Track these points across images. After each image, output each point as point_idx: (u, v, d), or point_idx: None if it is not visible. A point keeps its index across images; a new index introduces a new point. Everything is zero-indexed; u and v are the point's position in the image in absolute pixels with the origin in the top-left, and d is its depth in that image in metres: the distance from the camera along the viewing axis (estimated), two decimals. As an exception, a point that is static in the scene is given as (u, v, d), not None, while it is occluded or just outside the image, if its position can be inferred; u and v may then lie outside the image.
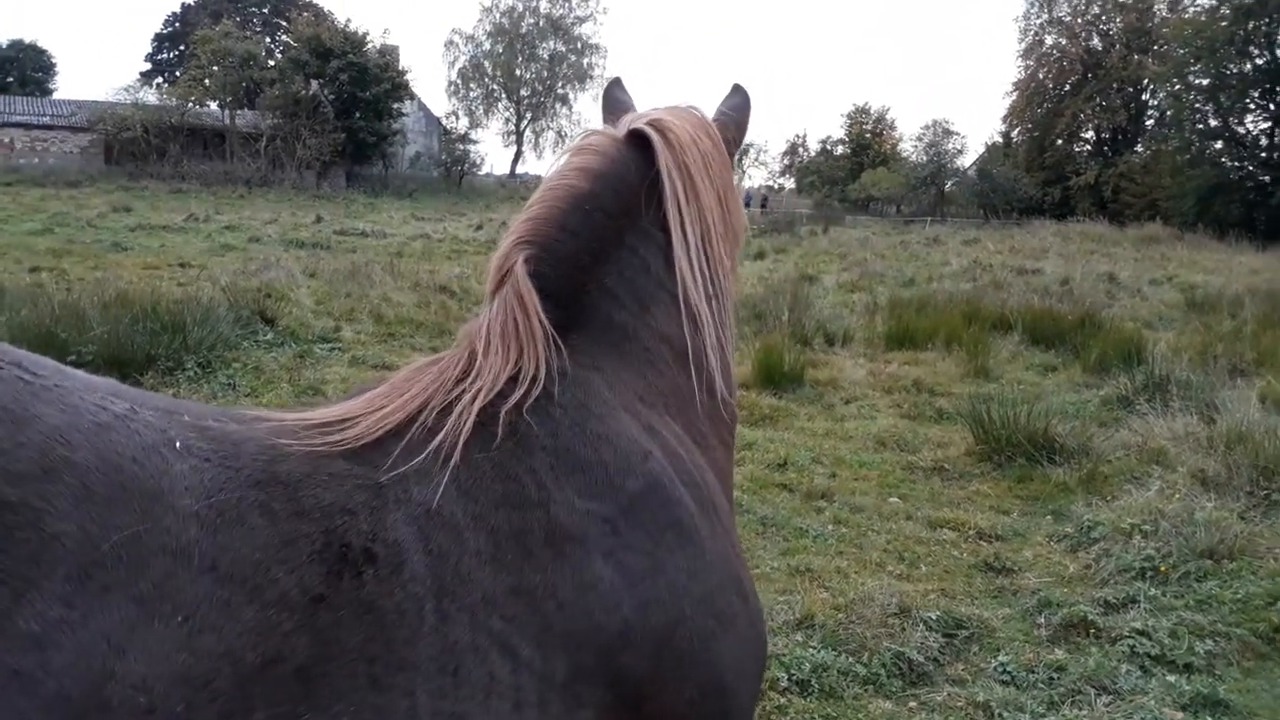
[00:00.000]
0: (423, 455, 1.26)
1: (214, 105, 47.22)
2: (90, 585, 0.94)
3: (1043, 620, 4.45)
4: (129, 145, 42.15)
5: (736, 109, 2.02)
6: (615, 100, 2.04)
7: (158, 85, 50.72)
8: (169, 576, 0.98)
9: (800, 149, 74.34)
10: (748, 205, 61.10)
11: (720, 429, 1.76)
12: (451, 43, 72.84)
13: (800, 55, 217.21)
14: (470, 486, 1.28)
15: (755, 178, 71.90)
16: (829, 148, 72.29)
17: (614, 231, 1.63)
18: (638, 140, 1.71)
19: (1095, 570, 5.03)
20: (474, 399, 1.36)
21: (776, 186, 74.74)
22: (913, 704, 3.68)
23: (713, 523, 1.52)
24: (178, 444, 1.09)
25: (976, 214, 57.01)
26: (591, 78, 73.27)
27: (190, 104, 45.35)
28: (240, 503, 1.08)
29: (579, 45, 72.29)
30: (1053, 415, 7.43)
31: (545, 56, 72.32)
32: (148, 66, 69.46)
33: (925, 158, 62.16)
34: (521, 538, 1.27)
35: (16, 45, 68.43)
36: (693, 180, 1.70)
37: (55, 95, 60.57)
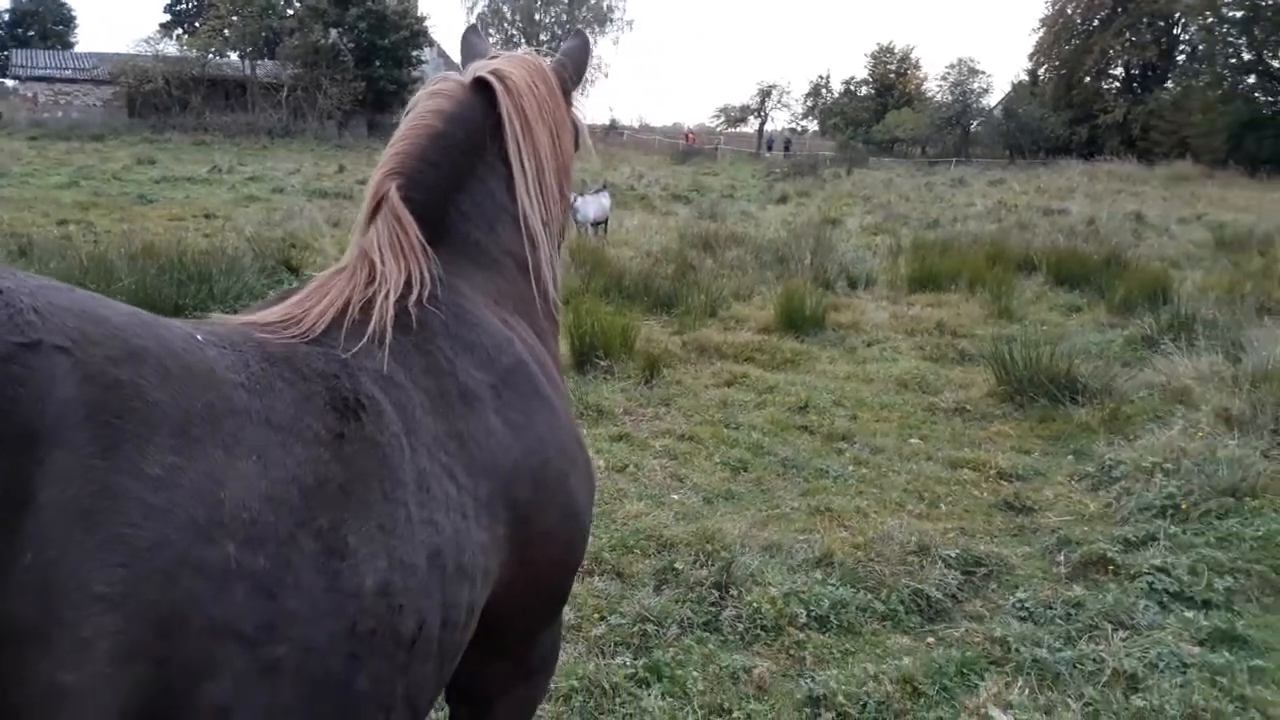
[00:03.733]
0: (363, 338, 1.60)
1: (234, 56, 46.96)
2: (188, 438, 1.21)
3: (1062, 558, 4.48)
4: (151, 97, 42.09)
5: (573, 53, 2.33)
6: (471, 46, 2.34)
7: (178, 36, 50.35)
8: (239, 429, 1.28)
9: (824, 90, 73.15)
10: (770, 148, 60.53)
11: (552, 325, 2.18)
12: (470, -13, 71.88)
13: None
14: (403, 360, 1.63)
15: (778, 120, 71.07)
16: (853, 89, 71.22)
17: (466, 164, 1.97)
18: (482, 86, 2.02)
19: (1116, 509, 5.05)
20: (386, 297, 1.70)
21: (800, 129, 73.70)
22: (930, 639, 3.74)
23: (555, 391, 1.93)
24: (199, 336, 1.37)
25: (1003, 154, 56.14)
26: (611, 20, 72.22)
27: (211, 55, 45.12)
28: (265, 374, 1.40)
29: (598, -13, 71.16)
30: (1076, 355, 7.41)
31: (565, 0, 71.30)
32: (167, 18, 69.11)
33: (950, 97, 61.15)
34: (445, 396, 1.65)
35: (36, -1, 68.31)
36: (528, 121, 2.03)
37: (76, 48, 60.51)
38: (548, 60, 2.26)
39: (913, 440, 6.37)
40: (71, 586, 1.06)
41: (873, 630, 3.79)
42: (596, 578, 4.15)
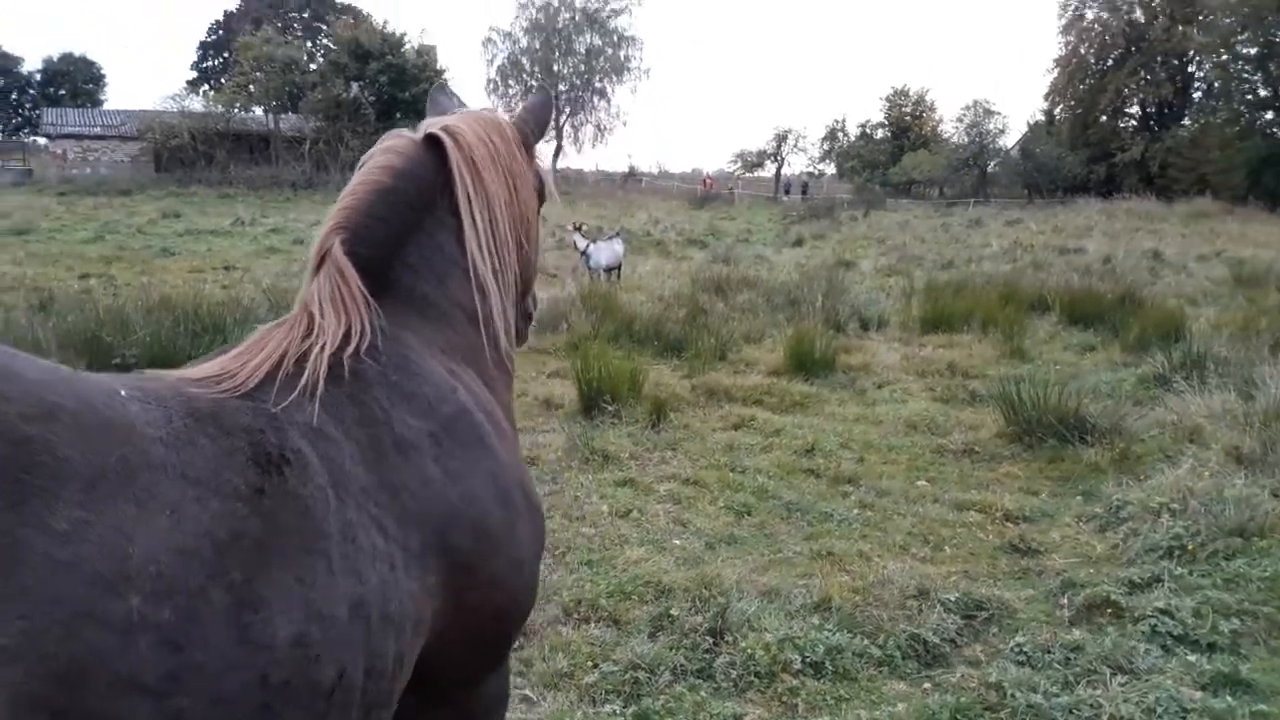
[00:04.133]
0: (295, 391, 1.64)
1: (259, 110, 47.86)
2: (98, 493, 1.25)
3: (1065, 601, 4.43)
4: (177, 152, 42.89)
5: (534, 108, 2.42)
6: (436, 103, 2.45)
7: (204, 92, 51.46)
8: (154, 484, 1.32)
9: (840, 134, 73.50)
10: (787, 193, 60.82)
11: (504, 374, 2.21)
12: (489, 40, 73.07)
13: (838, 39, 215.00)
14: (335, 411, 1.67)
15: (795, 164, 71.30)
16: (869, 131, 71.51)
17: (415, 219, 2.01)
18: (433, 142, 2.07)
19: (1122, 550, 4.99)
20: (322, 349, 1.73)
21: (817, 172, 74.00)
22: (927, 685, 3.69)
23: (502, 440, 1.96)
24: (122, 392, 1.42)
25: (1021, 194, 56.14)
26: (629, 70, 73.19)
27: (235, 110, 46.05)
28: (187, 429, 1.43)
29: (615, 38, 72.21)
30: (1086, 395, 7.37)
31: (582, 51, 72.34)
32: (194, 75, 70.71)
33: (967, 139, 61.30)
34: (377, 445, 1.68)
35: (67, 59, 70.09)
36: (480, 175, 2.08)
37: (105, 106, 61.95)
38: (507, 116, 2.34)
39: (920, 482, 6.34)
40: None
41: (868, 676, 3.75)
42: (592, 624, 4.14)
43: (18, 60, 69.16)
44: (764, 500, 5.93)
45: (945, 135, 66.72)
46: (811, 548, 5.11)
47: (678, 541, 5.19)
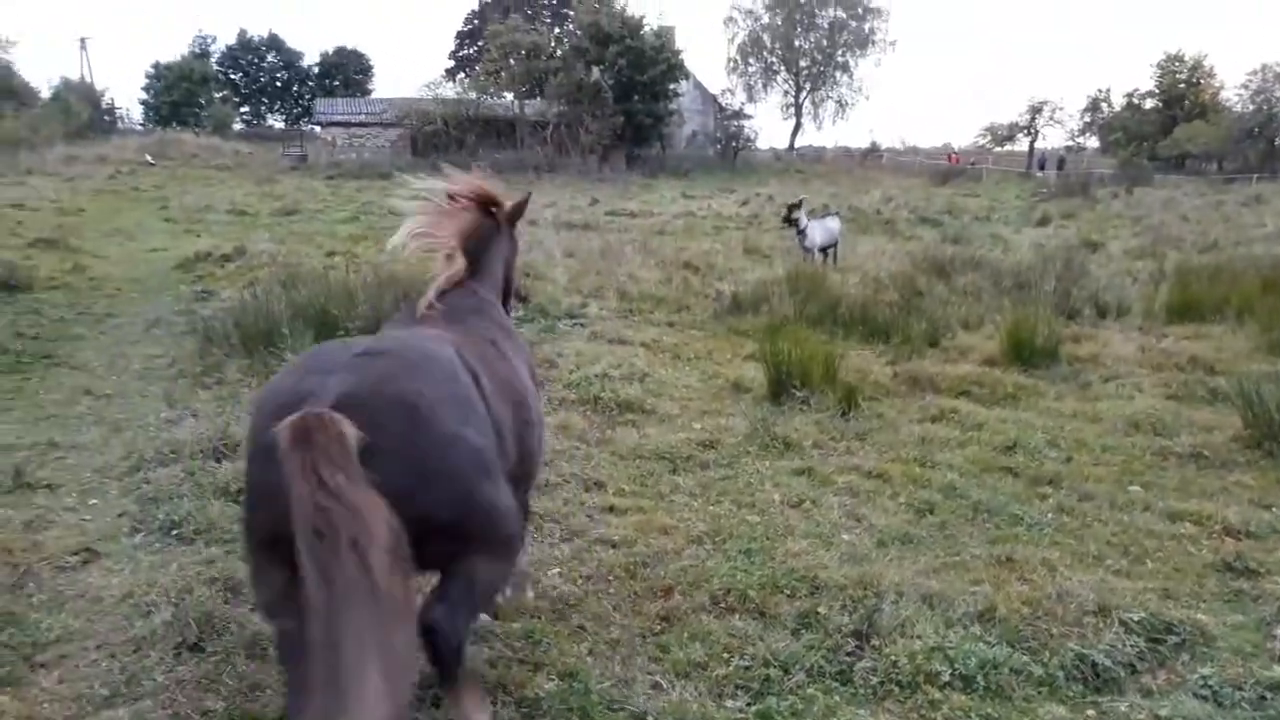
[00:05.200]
0: (475, 315, 3.54)
1: (508, 96, 50.20)
2: (460, 411, 2.69)
3: (1279, 633, 3.90)
4: (431, 138, 45.75)
5: (519, 204, 4.13)
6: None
7: (458, 79, 54.49)
8: (476, 400, 2.79)
9: (1103, 104, 68.00)
10: (1042, 168, 57.05)
11: (508, 316, 4.19)
12: (730, 19, 73.32)
13: (1104, 2, 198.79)
14: (483, 328, 3.48)
15: (1052, 138, 66.82)
16: (1136, 101, 65.75)
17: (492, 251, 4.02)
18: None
19: (1363, 579, 4.33)
20: (476, 294, 3.73)
21: (1077, 146, 68.94)
22: (1090, 712, 3.35)
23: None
24: (433, 342, 2.95)
25: (1316, 168, 50.01)
26: (873, 42, 71.17)
27: (485, 96, 48.54)
28: (472, 359, 2.97)
29: (859, 10, 70.27)
30: (1347, 398, 6.45)
31: (825, 25, 70.92)
32: (450, 63, 75.09)
33: (1252, 107, 55.24)
34: (495, 345, 3.38)
35: (341, 51, 76.21)
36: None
37: (373, 95, 66.92)
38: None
39: (1132, 487, 5.77)
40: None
41: (1024, 696, 3.45)
42: (737, 616, 4.04)
43: (299, 55, 75.99)
44: (950, 498, 5.59)
45: (1226, 104, 60.38)
46: (991, 552, 4.77)
47: (846, 537, 4.99)
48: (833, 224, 15.55)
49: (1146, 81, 78.59)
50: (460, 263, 3.60)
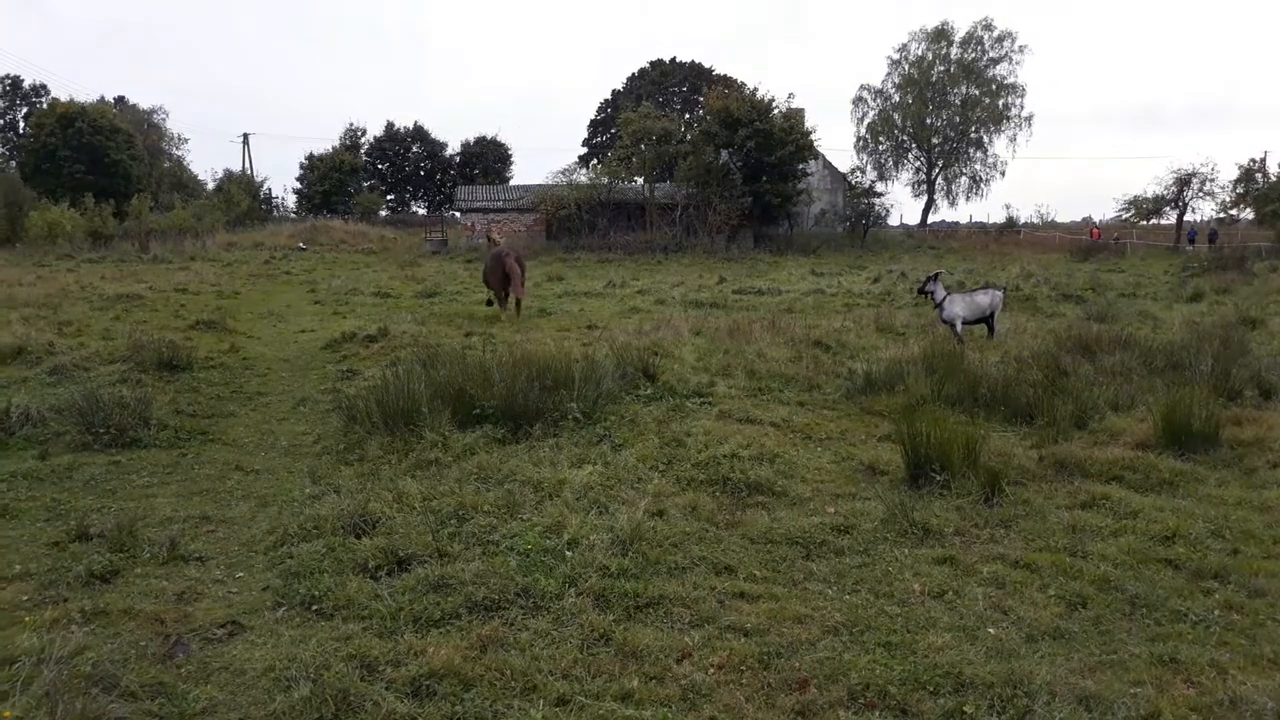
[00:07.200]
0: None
1: (638, 180, 51.44)
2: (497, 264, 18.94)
3: None
4: (565, 221, 47.32)
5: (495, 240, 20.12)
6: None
7: (592, 165, 56.19)
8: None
9: (1257, 173, 64.83)
10: (1191, 241, 54.56)
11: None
12: (860, 99, 73.35)
13: (1250, 67, 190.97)
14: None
15: (1201, 211, 63.81)
16: (1295, 170, 62.41)
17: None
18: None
19: None
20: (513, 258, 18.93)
21: (1229, 218, 65.71)
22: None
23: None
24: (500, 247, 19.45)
25: None
26: (1008, 119, 70.05)
27: (617, 181, 49.90)
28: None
29: (993, 87, 69.49)
30: None
31: (957, 102, 70.35)
32: (585, 150, 77.56)
33: None
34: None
35: (481, 141, 79.76)
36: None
37: (511, 182, 69.63)
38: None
39: (1311, 584, 5.30)
40: None
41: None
42: (877, 712, 3.85)
43: (443, 145, 79.87)
44: (1105, 592, 5.24)
45: (1398, 170, 56.72)
46: (1152, 651, 4.43)
47: (992, 630, 4.72)
48: (981, 297, 15.06)
49: (1306, 149, 74.45)
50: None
